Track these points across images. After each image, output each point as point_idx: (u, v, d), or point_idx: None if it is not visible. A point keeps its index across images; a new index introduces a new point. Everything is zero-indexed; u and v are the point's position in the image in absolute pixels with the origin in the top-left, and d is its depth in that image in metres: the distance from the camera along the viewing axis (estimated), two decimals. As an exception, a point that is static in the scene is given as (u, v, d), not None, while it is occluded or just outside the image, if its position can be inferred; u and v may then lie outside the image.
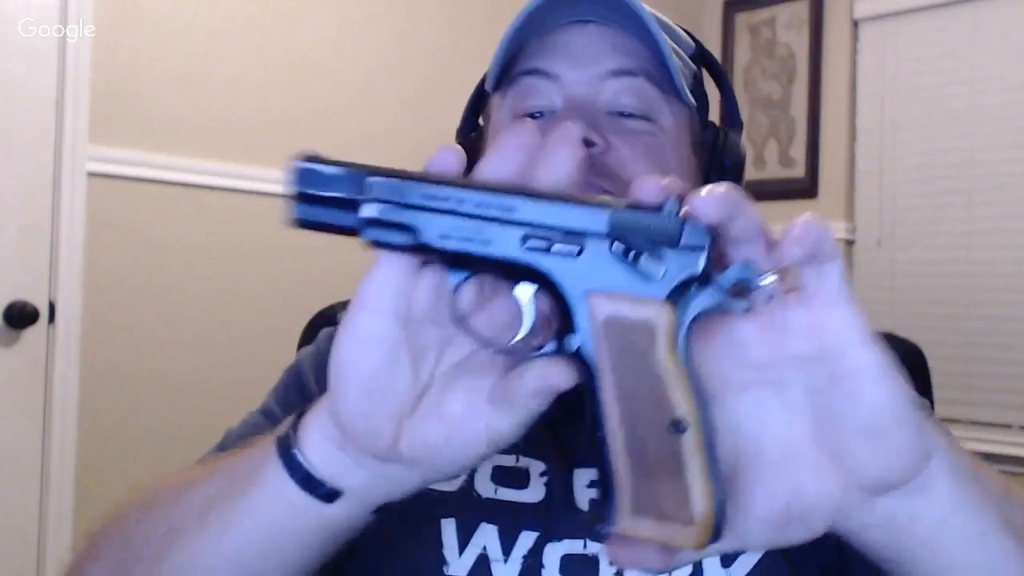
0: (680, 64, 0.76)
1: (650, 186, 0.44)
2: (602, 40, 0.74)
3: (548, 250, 0.44)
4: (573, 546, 0.70)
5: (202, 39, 2.34)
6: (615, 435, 0.43)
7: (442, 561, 0.69)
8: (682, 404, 0.43)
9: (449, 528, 0.70)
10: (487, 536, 0.70)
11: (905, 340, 1.12)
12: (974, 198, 2.88)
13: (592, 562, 0.69)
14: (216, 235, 2.37)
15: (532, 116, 0.75)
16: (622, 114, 0.74)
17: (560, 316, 0.46)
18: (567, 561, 0.69)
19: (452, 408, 0.47)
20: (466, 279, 0.46)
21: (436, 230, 0.45)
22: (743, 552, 0.68)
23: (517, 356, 0.46)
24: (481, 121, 0.84)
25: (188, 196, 2.31)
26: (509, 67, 0.76)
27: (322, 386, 0.60)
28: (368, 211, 0.46)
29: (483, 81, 0.82)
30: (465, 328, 0.46)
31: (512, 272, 0.46)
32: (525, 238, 0.45)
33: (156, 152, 2.25)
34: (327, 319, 1.16)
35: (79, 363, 2.13)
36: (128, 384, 2.23)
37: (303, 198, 0.48)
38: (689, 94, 0.76)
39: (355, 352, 0.46)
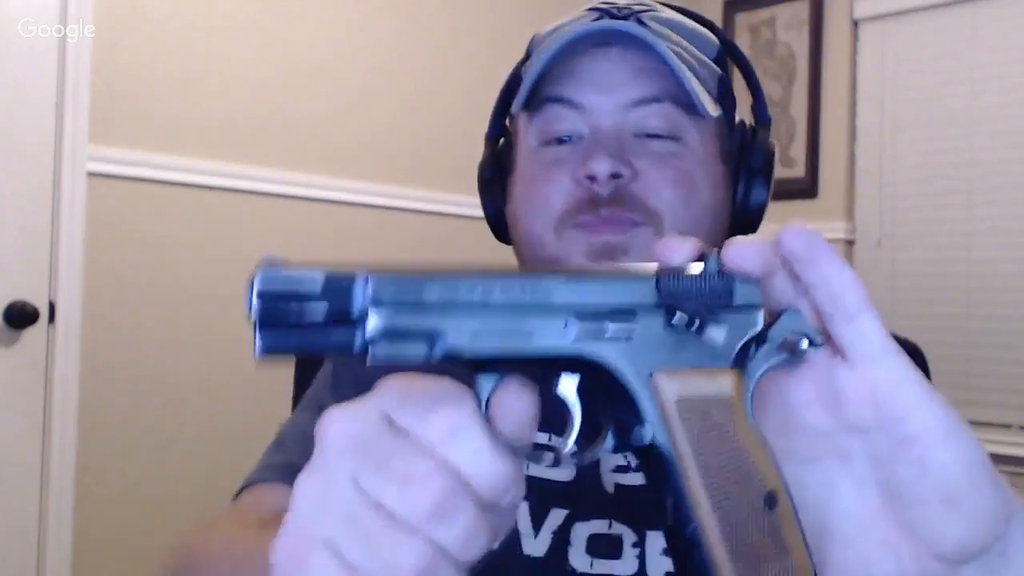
0: (705, 73, 0.77)
1: (673, 249, 0.41)
2: (624, 66, 0.75)
3: (599, 335, 0.39)
4: (599, 525, 0.71)
5: (202, 39, 2.34)
6: (709, 526, 0.39)
7: None
8: (770, 476, 0.40)
9: None
10: (519, 512, 0.71)
11: (905, 340, 1.12)
12: (974, 198, 2.88)
13: (616, 541, 0.71)
14: (216, 235, 2.37)
15: (559, 141, 0.77)
16: (648, 135, 0.75)
17: (610, 407, 0.41)
18: (593, 540, 0.71)
19: None
20: (497, 383, 0.39)
21: (463, 333, 0.38)
22: None
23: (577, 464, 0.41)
24: (507, 122, 0.86)
25: (188, 196, 2.31)
26: (534, 89, 0.77)
27: (365, 368, 0.63)
28: (375, 322, 0.37)
29: (507, 86, 0.85)
30: (515, 450, 0.39)
31: (551, 367, 0.40)
32: (570, 325, 0.39)
33: (156, 152, 2.25)
34: None
35: (79, 363, 2.13)
36: (128, 384, 2.23)
37: (273, 319, 0.37)
38: (715, 105, 0.76)
39: None
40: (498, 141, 0.86)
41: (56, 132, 2.10)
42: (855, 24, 3.09)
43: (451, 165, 2.71)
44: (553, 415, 0.42)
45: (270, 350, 0.37)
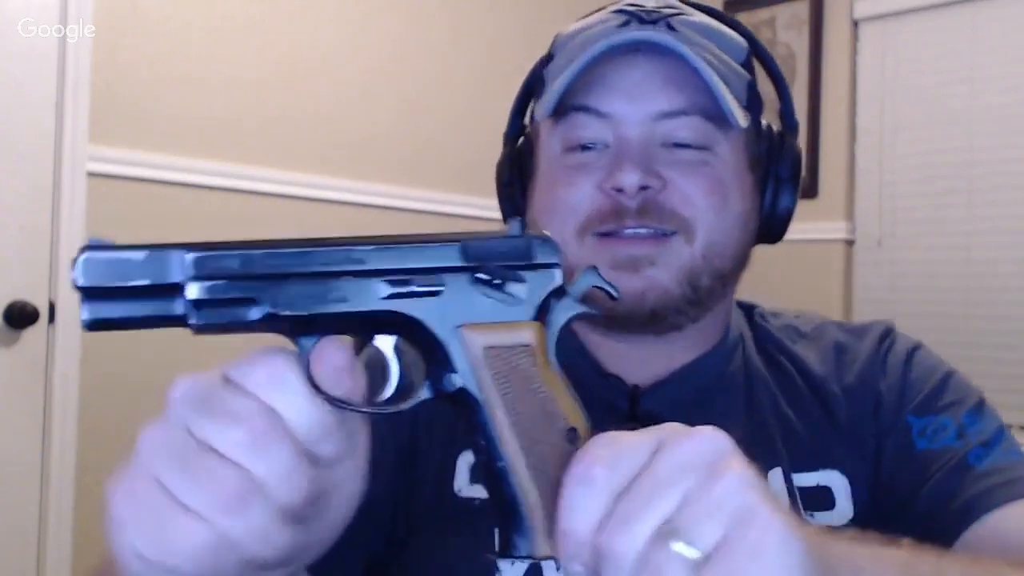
0: (735, 80, 0.75)
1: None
2: (654, 75, 0.73)
3: (409, 294, 0.43)
4: None
5: (202, 39, 2.34)
6: (516, 461, 0.43)
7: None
8: (572, 414, 0.44)
9: None
10: None
11: (907, 338, 1.12)
12: (974, 198, 2.88)
13: None
14: (216, 235, 2.35)
15: (584, 148, 0.75)
16: (677, 144, 0.74)
17: (426, 360, 0.45)
18: None
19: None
20: (317, 341, 0.43)
21: (282, 298, 0.42)
22: None
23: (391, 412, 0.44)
24: (526, 120, 0.84)
25: (188, 196, 2.31)
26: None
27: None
28: (193, 291, 0.42)
29: (527, 85, 0.82)
30: (326, 396, 0.42)
31: (368, 325, 0.44)
32: (382, 286, 0.43)
33: (156, 152, 2.25)
34: None
35: (79, 363, 2.13)
36: (128, 384, 2.23)
37: (95, 293, 0.42)
38: (745, 114, 0.75)
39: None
40: (516, 140, 0.84)
41: (56, 132, 2.10)
42: (855, 24, 3.09)
43: (451, 165, 2.71)
44: None
45: (96, 322, 0.42)
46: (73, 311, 2.11)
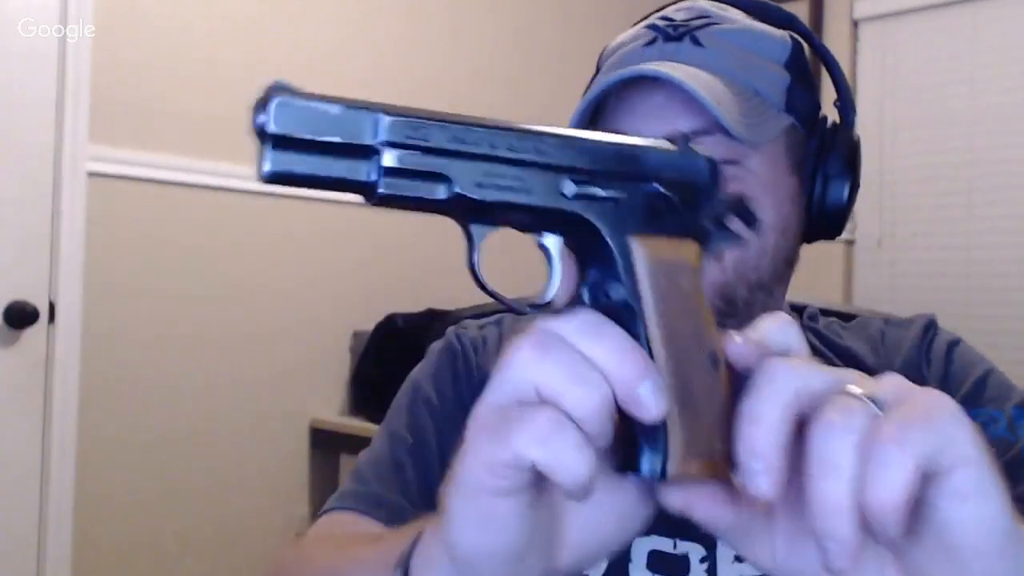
0: (766, 83, 0.74)
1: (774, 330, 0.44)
2: (673, 97, 0.72)
3: (591, 196, 0.42)
4: (662, 543, 0.70)
5: (202, 39, 2.34)
6: (664, 376, 0.42)
7: None
8: (715, 338, 0.43)
9: None
10: None
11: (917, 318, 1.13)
12: (974, 198, 2.88)
13: (681, 561, 0.70)
14: (216, 235, 2.37)
15: None
16: None
17: (587, 266, 0.44)
18: (655, 557, 0.70)
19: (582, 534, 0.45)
20: (489, 231, 0.42)
21: (470, 178, 0.40)
22: None
23: (548, 312, 0.43)
24: None
25: (188, 196, 2.31)
26: (590, 118, 0.76)
27: (441, 399, 0.70)
28: (389, 159, 0.39)
29: (591, 80, 0.82)
30: (487, 290, 0.42)
31: (541, 221, 0.43)
32: (566, 183, 0.42)
33: (156, 152, 2.26)
34: (400, 327, 1.16)
35: (79, 363, 2.13)
36: (128, 384, 2.23)
37: (284, 143, 0.37)
38: (782, 118, 0.74)
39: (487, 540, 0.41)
40: None
41: (56, 132, 2.10)
42: (855, 24, 3.09)
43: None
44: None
45: (277, 174, 0.37)
46: (73, 311, 2.11)
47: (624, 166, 0.44)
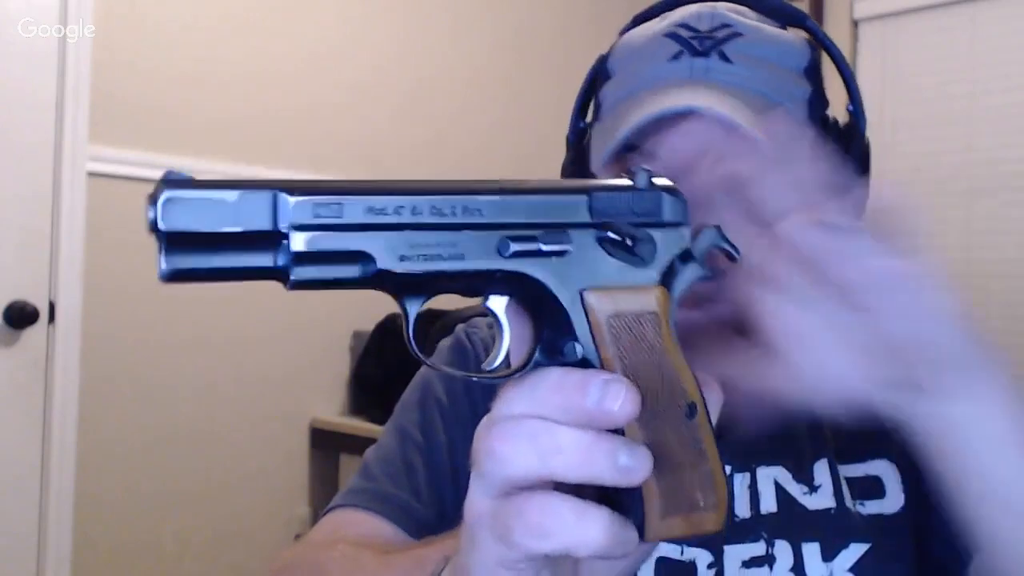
0: (789, 98, 0.73)
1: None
2: (715, 127, 0.69)
3: (533, 253, 0.39)
4: (669, 549, 0.70)
5: (202, 39, 2.34)
6: (635, 435, 0.39)
7: None
8: (691, 387, 0.41)
9: None
10: None
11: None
12: (974, 198, 2.88)
13: (689, 567, 0.69)
14: (216, 235, 2.37)
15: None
16: None
17: (540, 325, 0.41)
18: (662, 564, 0.70)
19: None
20: (424, 303, 0.39)
21: (393, 252, 0.37)
22: (843, 547, 0.69)
23: (498, 381, 0.41)
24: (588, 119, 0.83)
25: (188, 196, 2.31)
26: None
27: (451, 399, 0.71)
28: (297, 243, 0.36)
29: (584, 92, 0.81)
30: (433, 365, 0.41)
31: (482, 285, 0.40)
32: (504, 242, 0.38)
33: (156, 152, 2.26)
34: (397, 325, 1.15)
35: (79, 363, 2.13)
36: (128, 384, 2.23)
37: (179, 240, 0.34)
38: (806, 131, 0.73)
39: None
40: (579, 143, 0.82)
41: (56, 132, 2.10)
42: (855, 24, 3.09)
43: (450, 165, 2.71)
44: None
45: (175, 272, 0.35)
46: (73, 311, 2.11)
47: (568, 216, 0.40)
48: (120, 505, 2.22)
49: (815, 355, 0.46)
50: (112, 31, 2.17)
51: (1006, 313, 2.77)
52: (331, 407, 2.62)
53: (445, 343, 0.85)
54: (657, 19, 0.78)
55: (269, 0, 2.47)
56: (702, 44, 0.73)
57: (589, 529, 0.37)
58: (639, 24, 0.80)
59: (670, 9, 0.78)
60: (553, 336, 0.40)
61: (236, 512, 2.42)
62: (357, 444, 2.31)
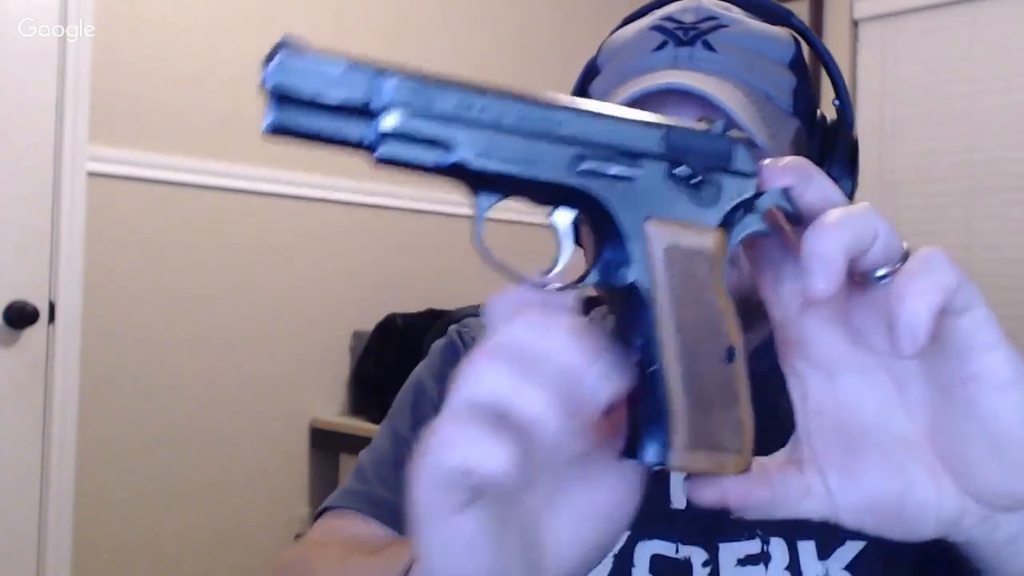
0: (776, 89, 0.73)
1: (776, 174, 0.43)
2: (697, 109, 0.70)
3: (602, 173, 0.40)
4: (664, 547, 0.70)
5: (202, 39, 2.34)
6: (672, 369, 0.40)
7: None
8: (733, 332, 0.41)
9: None
10: None
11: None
12: (974, 198, 2.88)
13: (684, 565, 0.69)
14: (216, 235, 2.37)
15: None
16: None
17: (600, 246, 0.41)
18: (657, 561, 0.69)
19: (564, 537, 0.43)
20: (496, 202, 0.40)
21: (473, 147, 0.39)
22: (839, 544, 0.69)
23: (557, 291, 0.41)
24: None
25: (188, 196, 2.31)
26: None
27: (445, 399, 0.63)
28: (389, 122, 0.38)
29: (580, 82, 0.81)
30: (492, 262, 0.41)
31: (550, 196, 0.41)
32: (576, 159, 0.40)
33: (156, 152, 2.26)
34: (400, 327, 1.15)
35: (79, 363, 2.13)
36: (128, 384, 2.23)
37: (286, 100, 0.37)
38: (791, 122, 0.73)
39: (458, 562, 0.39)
40: None
41: (56, 132, 2.10)
42: (855, 24, 3.09)
43: (451, 165, 2.71)
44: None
45: (279, 127, 0.37)
46: (73, 311, 2.11)
47: (644, 144, 0.41)
48: (120, 505, 2.22)
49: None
50: (112, 31, 2.17)
51: (1006, 313, 2.77)
52: (331, 407, 2.62)
53: (438, 344, 0.86)
54: (645, 17, 0.78)
55: (269, 0, 2.47)
56: (686, 34, 0.73)
57: (494, 449, 0.36)
58: (628, 24, 0.80)
59: (659, 7, 0.78)
60: (611, 257, 0.41)
61: (236, 512, 2.42)
62: (357, 444, 2.30)
